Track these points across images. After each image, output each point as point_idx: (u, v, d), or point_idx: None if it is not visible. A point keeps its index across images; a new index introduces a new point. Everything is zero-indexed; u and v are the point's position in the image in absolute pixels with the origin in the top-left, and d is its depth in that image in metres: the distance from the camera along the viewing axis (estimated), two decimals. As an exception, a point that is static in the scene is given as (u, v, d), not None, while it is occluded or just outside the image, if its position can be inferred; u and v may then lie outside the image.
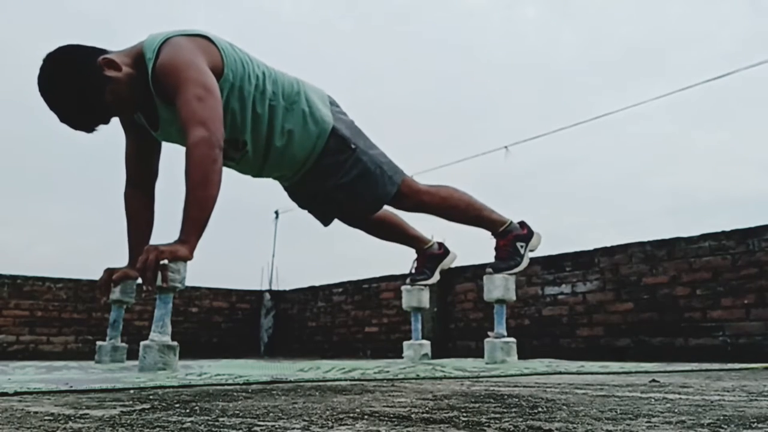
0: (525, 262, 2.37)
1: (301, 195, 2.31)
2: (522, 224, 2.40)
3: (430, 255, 2.61)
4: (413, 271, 2.68)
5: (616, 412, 0.81)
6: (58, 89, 1.78)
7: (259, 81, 1.94)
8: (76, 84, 1.78)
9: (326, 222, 2.34)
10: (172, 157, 2.09)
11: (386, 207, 2.27)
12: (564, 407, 0.87)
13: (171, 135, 1.97)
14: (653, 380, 1.47)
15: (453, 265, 4.72)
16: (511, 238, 2.35)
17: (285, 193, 2.37)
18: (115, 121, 2.07)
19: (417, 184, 2.23)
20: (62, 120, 1.81)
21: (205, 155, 1.71)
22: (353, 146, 2.09)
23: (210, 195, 1.72)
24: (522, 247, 2.36)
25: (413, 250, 2.62)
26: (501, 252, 2.36)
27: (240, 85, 1.89)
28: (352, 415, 0.78)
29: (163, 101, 1.84)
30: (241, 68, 1.90)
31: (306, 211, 2.39)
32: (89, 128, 1.85)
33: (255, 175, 2.16)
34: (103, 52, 1.85)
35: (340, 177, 2.10)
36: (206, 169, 1.71)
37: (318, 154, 2.06)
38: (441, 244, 2.61)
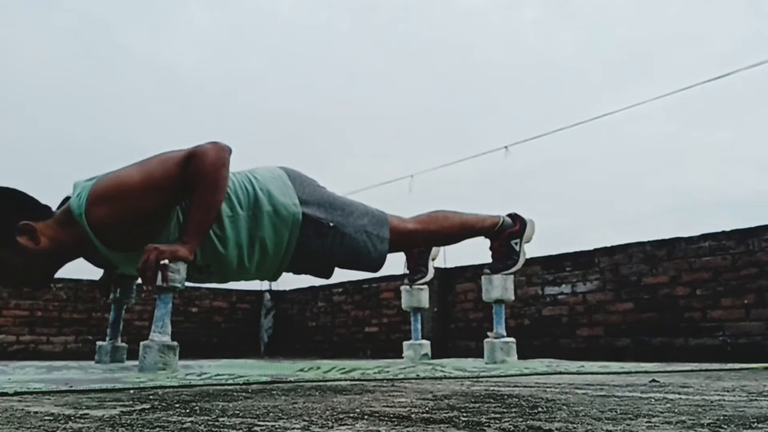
0: (522, 260, 2.36)
1: (295, 272, 2.18)
2: (513, 217, 2.36)
3: (418, 252, 2.63)
4: (408, 271, 2.68)
5: (616, 412, 0.81)
6: None
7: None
8: None
9: (328, 276, 2.22)
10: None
11: None
12: (564, 407, 0.87)
13: (131, 268, 1.83)
14: (653, 380, 1.47)
15: (453, 265, 4.70)
16: (505, 237, 2.34)
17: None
18: (114, 119, 2.06)
19: (405, 226, 2.13)
20: None
21: (219, 157, 1.69)
22: (331, 224, 1.96)
23: (217, 199, 1.70)
24: (517, 243, 2.34)
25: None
26: (497, 253, 2.36)
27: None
28: (352, 415, 0.78)
29: (117, 250, 1.72)
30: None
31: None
32: None
33: (237, 280, 2.03)
34: (44, 214, 1.71)
35: (330, 259, 2.02)
36: (218, 172, 1.68)
37: (294, 247, 1.93)
38: None
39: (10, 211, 1.67)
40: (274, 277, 2.08)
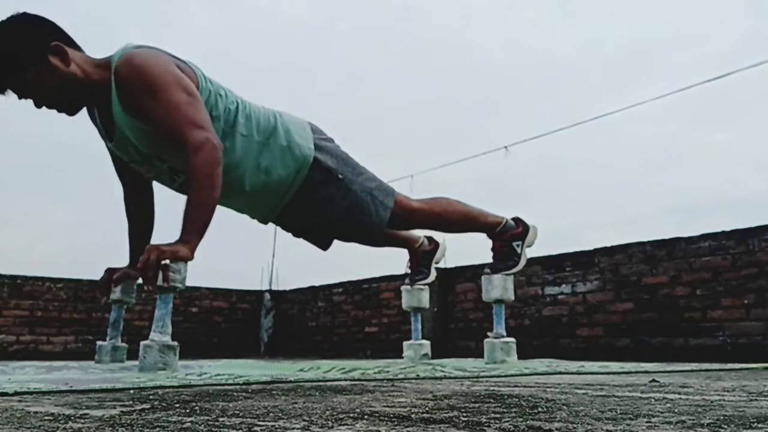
0: (522, 261, 2.36)
1: (294, 227, 2.23)
2: (516, 221, 2.38)
3: (423, 253, 2.62)
4: (409, 271, 2.68)
5: (616, 412, 0.81)
6: None
7: (230, 117, 1.87)
8: (10, 41, 1.73)
9: (324, 247, 2.27)
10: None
11: None
12: (564, 407, 0.87)
13: (126, 147, 1.86)
14: (653, 380, 1.47)
15: (453, 265, 4.71)
16: (507, 238, 2.34)
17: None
18: None
19: (410, 203, 2.16)
20: None
21: (212, 157, 1.69)
22: (340, 176, 2.00)
23: (213, 198, 1.71)
24: (518, 245, 2.35)
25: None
26: (498, 253, 2.36)
27: (210, 116, 1.80)
28: (352, 415, 0.78)
29: (124, 109, 1.76)
30: (214, 100, 1.84)
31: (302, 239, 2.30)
32: None
33: (232, 207, 2.06)
34: (75, 47, 1.81)
35: (332, 210, 2.02)
36: (212, 171, 1.69)
37: (299, 186, 1.97)
38: (430, 239, 2.62)
39: (44, 31, 1.77)
40: (268, 217, 2.09)
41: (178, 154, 1.76)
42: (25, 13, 1.77)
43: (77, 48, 1.83)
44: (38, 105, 1.81)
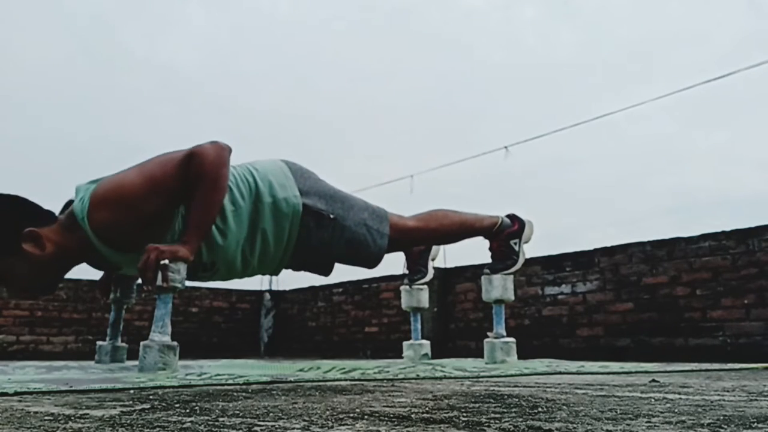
0: (521, 260, 2.36)
1: (294, 267, 2.17)
2: (512, 218, 2.37)
3: (418, 251, 2.63)
4: (407, 271, 2.68)
5: (616, 412, 0.81)
6: None
7: None
8: None
9: (327, 273, 2.21)
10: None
11: None
12: (564, 407, 0.87)
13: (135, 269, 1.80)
14: (653, 380, 1.47)
15: (453, 265, 4.70)
16: (504, 237, 2.34)
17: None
18: (114, 118, 2.06)
19: (405, 224, 2.13)
20: None
21: (219, 157, 1.69)
22: (332, 216, 1.96)
23: (218, 200, 1.70)
24: (516, 243, 2.35)
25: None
26: (496, 253, 2.36)
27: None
28: (352, 415, 0.78)
29: (124, 250, 1.72)
30: None
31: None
32: None
33: (241, 276, 2.03)
34: (48, 220, 1.71)
35: (331, 252, 2.00)
36: (218, 172, 1.68)
37: (296, 239, 1.93)
38: None
39: (14, 218, 1.67)
40: (276, 272, 2.07)
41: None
42: None
43: (49, 220, 1.72)
44: (12, 294, 1.72)
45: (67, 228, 1.70)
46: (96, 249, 1.70)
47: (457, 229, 2.25)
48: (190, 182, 1.68)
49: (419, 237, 2.20)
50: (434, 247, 2.65)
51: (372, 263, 2.12)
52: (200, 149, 1.69)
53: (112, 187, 1.66)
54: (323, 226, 1.95)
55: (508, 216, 2.38)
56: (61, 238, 1.70)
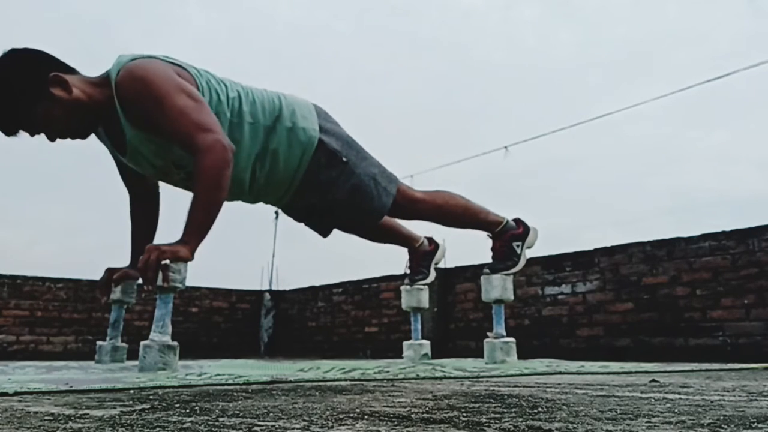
0: (522, 262, 2.36)
1: (297, 211, 2.24)
2: (517, 222, 2.38)
3: (423, 253, 2.62)
4: (409, 271, 2.68)
5: (616, 412, 0.81)
6: None
7: (235, 106, 1.86)
8: (12, 83, 1.72)
9: (324, 234, 2.29)
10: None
11: None
12: (564, 407, 0.87)
13: (139, 160, 1.87)
14: (653, 380, 1.47)
15: (453, 265, 4.71)
16: (507, 238, 2.35)
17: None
18: None
19: (413, 192, 2.18)
20: None
21: (221, 158, 1.68)
22: (344, 159, 2.00)
23: (219, 200, 1.70)
24: (518, 246, 2.36)
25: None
26: (498, 253, 2.36)
27: (215, 113, 1.79)
28: (352, 415, 0.78)
29: (132, 124, 1.76)
30: (216, 96, 1.82)
31: (303, 225, 2.32)
32: (8, 131, 1.77)
33: (246, 200, 2.07)
34: (70, 70, 1.79)
35: (335, 193, 2.02)
36: (220, 173, 1.68)
37: (305, 170, 1.97)
38: (430, 240, 2.62)
39: (39, 65, 1.75)
40: (279, 202, 2.11)
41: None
42: (14, 51, 1.74)
43: (74, 72, 1.81)
44: (51, 138, 1.81)
45: (96, 83, 1.78)
46: (117, 114, 1.75)
47: (461, 213, 2.25)
48: (182, 149, 1.74)
49: (423, 209, 2.20)
50: (439, 252, 2.64)
51: (371, 218, 2.13)
52: (207, 146, 1.67)
53: (143, 73, 1.70)
54: (333, 166, 2.00)
55: (514, 220, 2.39)
56: (88, 88, 1.78)
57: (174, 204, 2.05)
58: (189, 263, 1.69)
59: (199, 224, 1.69)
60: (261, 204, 2.16)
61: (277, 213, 7.32)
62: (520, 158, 5.67)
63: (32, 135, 1.79)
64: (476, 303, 4.73)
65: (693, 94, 4.67)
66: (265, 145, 1.91)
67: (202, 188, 1.68)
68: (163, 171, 1.91)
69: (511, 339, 2.32)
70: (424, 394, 1.09)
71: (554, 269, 4.28)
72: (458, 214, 2.25)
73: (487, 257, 2.41)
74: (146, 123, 1.75)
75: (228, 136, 1.78)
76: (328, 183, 2.01)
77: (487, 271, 2.37)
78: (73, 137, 1.85)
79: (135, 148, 1.81)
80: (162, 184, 2.13)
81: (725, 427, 0.66)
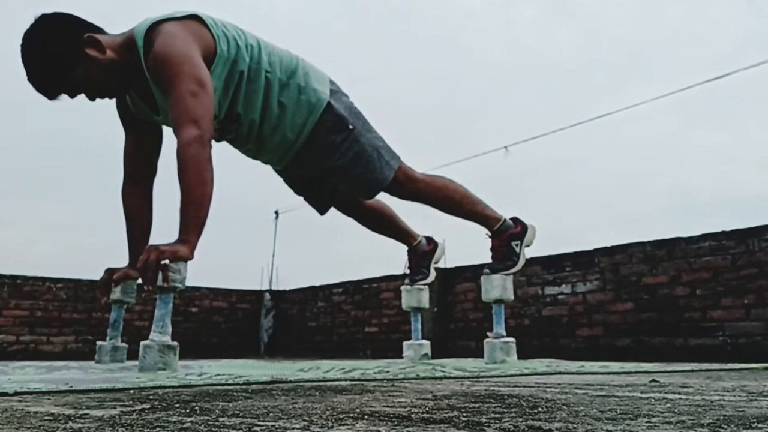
0: (522, 261, 2.36)
1: (297, 179, 2.29)
2: (515, 220, 2.38)
3: (422, 253, 2.62)
4: (409, 271, 2.68)
5: (616, 412, 0.81)
6: (32, 47, 1.79)
7: (254, 53, 1.92)
8: (50, 47, 1.78)
9: (322, 210, 2.34)
10: (167, 156, 2.08)
11: (380, 196, 2.24)
12: (564, 407, 0.87)
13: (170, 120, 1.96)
14: (653, 380, 1.47)
15: (453, 265, 4.70)
16: (506, 237, 2.35)
17: (285, 193, 2.37)
18: (113, 118, 2.07)
19: (414, 172, 2.20)
20: (28, 79, 1.81)
21: (199, 154, 1.70)
22: (350, 126, 2.05)
23: (206, 193, 1.72)
24: (517, 245, 2.35)
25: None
26: (497, 253, 2.36)
27: (234, 59, 1.87)
28: (352, 415, 0.78)
29: (159, 87, 1.83)
30: (234, 45, 1.88)
31: (302, 199, 2.37)
32: (50, 95, 1.84)
33: (251, 154, 2.13)
34: (99, 30, 1.86)
35: (336, 158, 2.06)
36: (201, 167, 1.70)
37: (311, 129, 2.02)
38: (429, 239, 2.62)
39: (74, 26, 1.83)
40: (282, 160, 2.14)
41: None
42: (45, 15, 1.81)
43: (102, 31, 1.88)
44: (92, 98, 1.88)
45: (124, 46, 1.84)
46: (144, 75, 1.81)
47: (459, 200, 2.26)
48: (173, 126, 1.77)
49: (422, 189, 2.22)
50: (438, 251, 2.64)
51: (370, 189, 2.15)
52: (185, 142, 1.69)
53: (161, 49, 1.74)
54: (339, 131, 2.04)
55: (511, 219, 2.39)
56: (119, 47, 1.84)
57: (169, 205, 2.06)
58: (189, 263, 1.69)
59: (193, 221, 1.69)
60: (261, 203, 2.17)
61: (276, 213, 7.32)
62: (520, 158, 5.67)
63: (72, 96, 1.86)
64: (476, 303, 4.73)
65: (693, 94, 4.67)
66: (278, 97, 1.96)
67: (187, 185, 1.69)
68: None
69: (511, 339, 2.32)
70: (424, 394, 1.09)
71: (554, 269, 4.28)
72: (456, 200, 2.26)
73: (486, 257, 2.41)
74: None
75: (245, 82, 1.89)
76: (332, 147, 2.05)
77: (487, 271, 2.37)
78: (111, 96, 1.92)
79: (163, 108, 1.89)
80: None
81: (725, 427, 0.66)
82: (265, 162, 2.20)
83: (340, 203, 2.35)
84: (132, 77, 1.88)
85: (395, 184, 2.15)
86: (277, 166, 2.24)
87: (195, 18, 1.85)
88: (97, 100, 1.89)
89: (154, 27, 1.80)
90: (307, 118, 2.01)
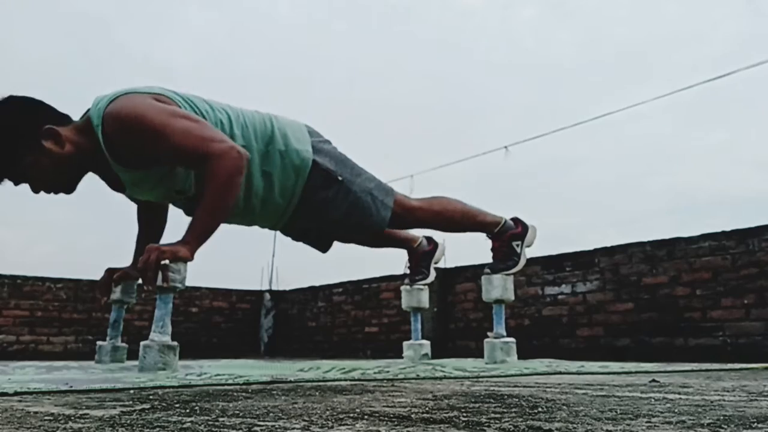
0: (522, 261, 2.37)
1: (294, 232, 2.23)
2: (516, 220, 2.39)
3: (422, 253, 2.62)
4: (409, 271, 2.68)
5: (616, 412, 0.81)
6: None
7: (225, 130, 1.81)
8: (3, 131, 1.69)
9: (324, 250, 2.28)
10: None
11: None
12: (564, 407, 0.87)
13: (137, 193, 1.89)
14: (653, 380, 1.47)
15: (453, 265, 4.71)
16: (507, 237, 2.35)
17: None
18: None
19: (409, 202, 2.17)
20: None
21: (235, 165, 1.66)
22: (339, 178, 1.99)
23: (227, 206, 1.69)
24: (518, 245, 2.36)
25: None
26: (497, 253, 2.36)
27: None
28: (352, 415, 0.78)
29: (126, 167, 1.74)
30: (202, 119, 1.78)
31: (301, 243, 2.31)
32: None
33: (245, 224, 2.06)
34: (63, 119, 1.77)
35: (332, 212, 2.00)
36: (232, 179, 1.66)
37: (301, 193, 1.96)
38: (429, 239, 2.62)
39: (35, 115, 1.74)
40: (277, 225, 2.09)
41: (198, 184, 1.77)
42: (10, 98, 1.73)
43: (66, 120, 1.79)
44: (36, 190, 1.79)
45: (83, 131, 1.75)
46: (106, 159, 1.73)
47: (459, 218, 2.25)
48: (194, 169, 1.73)
49: (421, 217, 2.20)
50: (438, 251, 2.64)
51: (370, 234, 2.14)
52: (219, 151, 1.65)
53: (130, 112, 1.66)
54: (329, 185, 1.98)
55: (512, 219, 2.39)
56: (78, 139, 1.75)
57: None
58: (189, 263, 1.69)
59: (202, 227, 1.69)
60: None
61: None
62: (520, 158, 5.67)
63: (16, 184, 1.77)
64: (476, 303, 4.73)
65: (693, 94, 4.67)
66: (261, 168, 1.88)
67: (211, 192, 1.66)
68: (163, 196, 1.92)
69: (511, 339, 2.32)
70: (424, 394, 1.09)
71: (554, 269, 4.28)
72: (456, 218, 2.25)
73: (487, 257, 2.41)
74: (142, 161, 1.72)
75: None
76: (325, 203, 1.99)
77: (488, 271, 2.37)
78: (57, 191, 1.82)
79: (132, 185, 1.82)
80: None
81: (725, 427, 0.66)
82: (262, 227, 2.13)
83: (341, 239, 2.29)
84: (89, 168, 1.81)
85: (394, 218, 2.12)
86: (273, 229, 2.19)
87: (159, 94, 1.74)
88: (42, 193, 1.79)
89: (110, 103, 1.69)
90: (295, 181, 1.93)
